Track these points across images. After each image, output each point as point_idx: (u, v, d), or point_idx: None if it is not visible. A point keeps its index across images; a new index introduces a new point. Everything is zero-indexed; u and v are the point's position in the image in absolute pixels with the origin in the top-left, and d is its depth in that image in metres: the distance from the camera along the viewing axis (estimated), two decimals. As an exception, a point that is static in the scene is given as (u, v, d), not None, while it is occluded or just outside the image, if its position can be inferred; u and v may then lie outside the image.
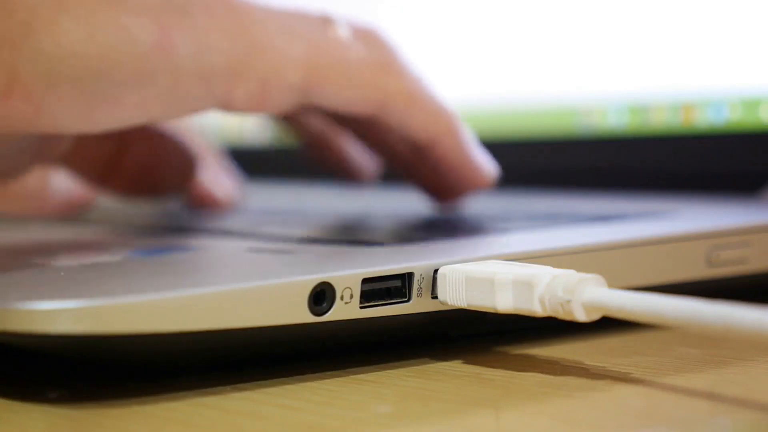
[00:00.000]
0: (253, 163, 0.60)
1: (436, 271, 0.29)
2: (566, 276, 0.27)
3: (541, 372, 0.28)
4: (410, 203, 0.49)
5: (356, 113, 0.35)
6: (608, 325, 0.29)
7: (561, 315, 0.27)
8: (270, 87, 0.34)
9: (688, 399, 0.26)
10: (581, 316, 0.27)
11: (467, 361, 0.30)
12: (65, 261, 0.32)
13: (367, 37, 0.36)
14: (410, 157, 0.38)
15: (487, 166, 0.38)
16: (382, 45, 0.36)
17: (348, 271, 0.28)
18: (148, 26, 0.32)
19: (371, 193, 0.54)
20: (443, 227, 0.36)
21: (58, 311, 0.25)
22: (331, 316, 0.28)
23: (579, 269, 0.28)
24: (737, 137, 0.44)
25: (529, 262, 0.29)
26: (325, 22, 0.36)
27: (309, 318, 0.27)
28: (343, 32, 0.35)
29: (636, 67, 0.47)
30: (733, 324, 0.24)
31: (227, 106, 0.34)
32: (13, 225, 0.46)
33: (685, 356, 0.30)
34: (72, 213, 0.45)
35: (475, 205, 0.46)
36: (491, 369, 0.29)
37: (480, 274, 0.28)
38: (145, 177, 0.43)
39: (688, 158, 0.46)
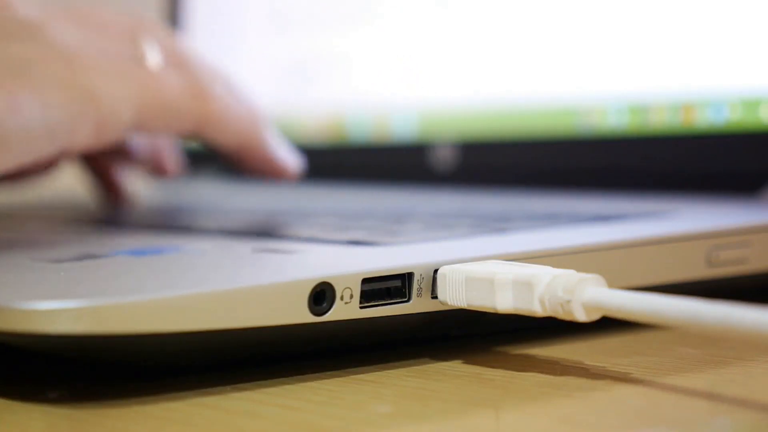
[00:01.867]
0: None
1: (436, 271, 0.29)
2: (566, 276, 0.27)
3: (541, 372, 0.28)
4: (405, 203, 0.49)
5: (181, 135, 0.42)
6: (608, 325, 0.29)
7: (561, 315, 0.27)
8: (106, 128, 0.37)
9: (688, 399, 0.26)
10: (581, 316, 0.27)
11: (467, 361, 0.30)
12: (65, 261, 0.32)
13: (178, 60, 0.42)
14: (234, 157, 0.45)
15: (290, 161, 0.45)
16: (191, 67, 0.42)
17: (348, 271, 0.28)
18: None
19: (369, 193, 0.54)
20: (442, 226, 0.36)
21: (58, 311, 0.25)
22: (331, 316, 0.28)
23: (579, 269, 0.28)
24: (737, 137, 0.44)
25: (529, 262, 0.29)
26: (139, 56, 0.41)
27: (309, 318, 0.27)
28: (156, 61, 0.41)
29: (636, 67, 0.47)
30: (733, 324, 0.24)
31: (69, 149, 0.37)
32: (12, 224, 0.46)
33: (685, 356, 0.30)
34: None
35: (475, 205, 0.46)
36: (491, 369, 0.29)
37: (480, 274, 0.28)
38: None
39: (688, 158, 0.46)
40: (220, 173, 0.65)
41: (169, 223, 0.45)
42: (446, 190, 0.53)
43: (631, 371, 0.28)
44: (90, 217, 0.50)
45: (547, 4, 0.50)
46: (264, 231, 0.39)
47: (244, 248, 0.34)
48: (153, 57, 0.41)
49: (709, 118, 0.45)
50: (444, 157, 0.54)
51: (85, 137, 0.37)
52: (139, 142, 0.50)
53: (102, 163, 0.51)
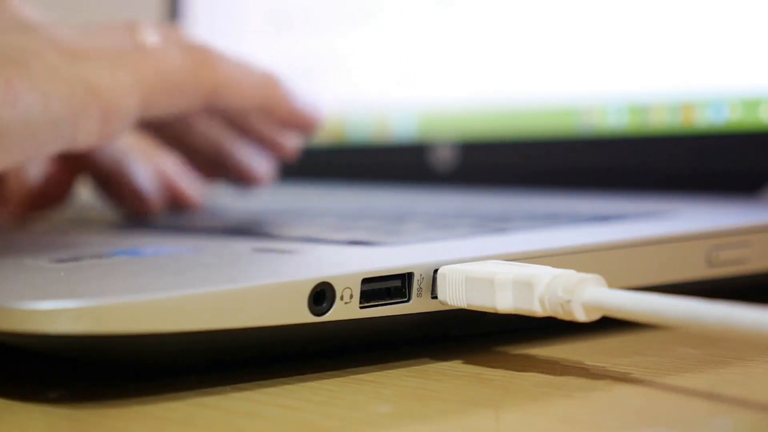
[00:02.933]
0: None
1: (436, 271, 0.29)
2: (566, 276, 0.27)
3: (541, 372, 0.28)
4: (405, 203, 0.49)
5: (192, 110, 0.40)
6: (608, 325, 0.29)
7: (561, 315, 0.27)
8: (111, 119, 0.36)
9: (688, 399, 0.26)
10: (581, 316, 0.27)
11: (467, 361, 0.30)
12: (65, 261, 0.32)
13: (175, 38, 0.41)
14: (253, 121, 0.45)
15: (314, 111, 0.44)
16: (191, 41, 0.41)
17: (348, 271, 0.28)
18: None
19: (369, 193, 0.54)
20: (442, 226, 0.36)
21: (58, 311, 0.25)
22: (331, 316, 0.28)
23: (579, 269, 0.28)
24: (737, 137, 0.44)
25: (529, 262, 0.29)
26: (139, 42, 0.39)
27: (309, 318, 0.27)
28: (156, 42, 0.40)
29: (636, 67, 0.47)
30: (733, 324, 0.24)
31: (73, 144, 0.36)
32: (13, 225, 0.46)
33: (685, 356, 0.30)
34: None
35: (475, 205, 0.46)
36: (491, 369, 0.29)
37: (480, 274, 0.28)
38: None
39: (688, 158, 0.46)
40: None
41: (169, 223, 0.45)
42: (446, 190, 0.53)
43: (631, 371, 0.28)
44: (90, 217, 0.50)
45: (547, 5, 0.50)
46: (264, 231, 0.39)
47: (244, 248, 0.34)
48: (153, 40, 0.40)
49: (709, 118, 0.45)
50: (444, 157, 0.54)
51: (90, 130, 0.36)
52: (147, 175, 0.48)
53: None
